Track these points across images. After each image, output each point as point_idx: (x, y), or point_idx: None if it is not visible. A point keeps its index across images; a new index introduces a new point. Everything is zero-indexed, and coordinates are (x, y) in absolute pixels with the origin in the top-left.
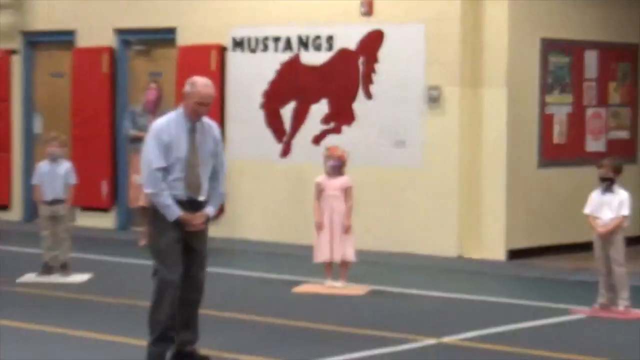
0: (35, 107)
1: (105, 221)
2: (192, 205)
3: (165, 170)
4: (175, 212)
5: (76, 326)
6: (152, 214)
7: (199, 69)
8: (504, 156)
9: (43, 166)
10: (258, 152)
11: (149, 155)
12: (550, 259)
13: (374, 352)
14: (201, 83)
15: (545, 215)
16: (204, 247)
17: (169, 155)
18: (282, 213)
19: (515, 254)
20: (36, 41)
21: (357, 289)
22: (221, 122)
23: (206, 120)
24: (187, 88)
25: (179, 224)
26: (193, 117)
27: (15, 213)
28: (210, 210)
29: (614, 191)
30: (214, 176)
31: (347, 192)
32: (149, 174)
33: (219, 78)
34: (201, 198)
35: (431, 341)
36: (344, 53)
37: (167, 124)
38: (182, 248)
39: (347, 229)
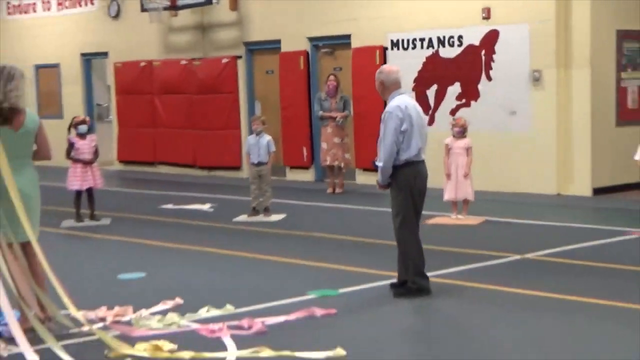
0: (255, 96)
1: (306, 176)
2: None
3: None
4: None
5: (288, 254)
6: None
7: (367, 65)
8: (589, 119)
9: (250, 139)
10: None
11: None
12: (628, 194)
13: (469, 267)
14: None
15: (621, 163)
16: (391, 205)
17: None
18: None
19: (598, 191)
20: (254, 48)
21: (474, 220)
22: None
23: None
24: None
25: None
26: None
27: (244, 172)
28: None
29: None
30: None
31: (468, 150)
32: None
33: None
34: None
35: (516, 257)
36: (470, 48)
37: None
38: None
39: (466, 175)
